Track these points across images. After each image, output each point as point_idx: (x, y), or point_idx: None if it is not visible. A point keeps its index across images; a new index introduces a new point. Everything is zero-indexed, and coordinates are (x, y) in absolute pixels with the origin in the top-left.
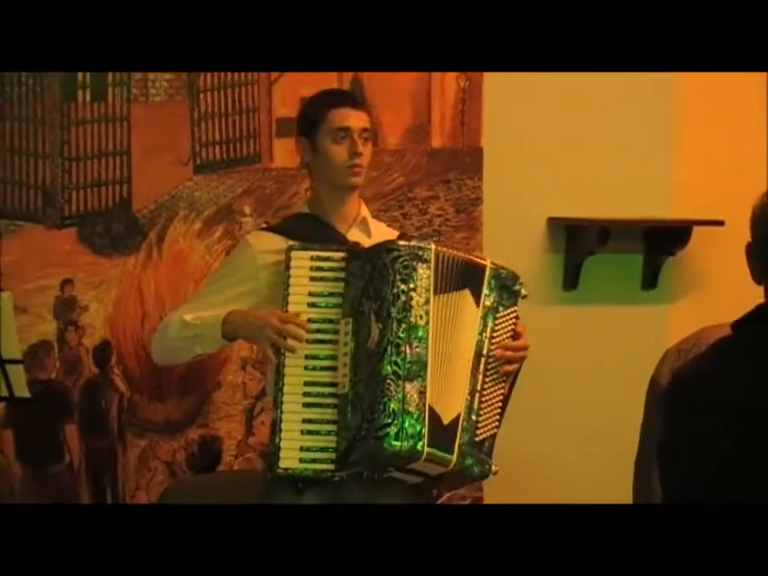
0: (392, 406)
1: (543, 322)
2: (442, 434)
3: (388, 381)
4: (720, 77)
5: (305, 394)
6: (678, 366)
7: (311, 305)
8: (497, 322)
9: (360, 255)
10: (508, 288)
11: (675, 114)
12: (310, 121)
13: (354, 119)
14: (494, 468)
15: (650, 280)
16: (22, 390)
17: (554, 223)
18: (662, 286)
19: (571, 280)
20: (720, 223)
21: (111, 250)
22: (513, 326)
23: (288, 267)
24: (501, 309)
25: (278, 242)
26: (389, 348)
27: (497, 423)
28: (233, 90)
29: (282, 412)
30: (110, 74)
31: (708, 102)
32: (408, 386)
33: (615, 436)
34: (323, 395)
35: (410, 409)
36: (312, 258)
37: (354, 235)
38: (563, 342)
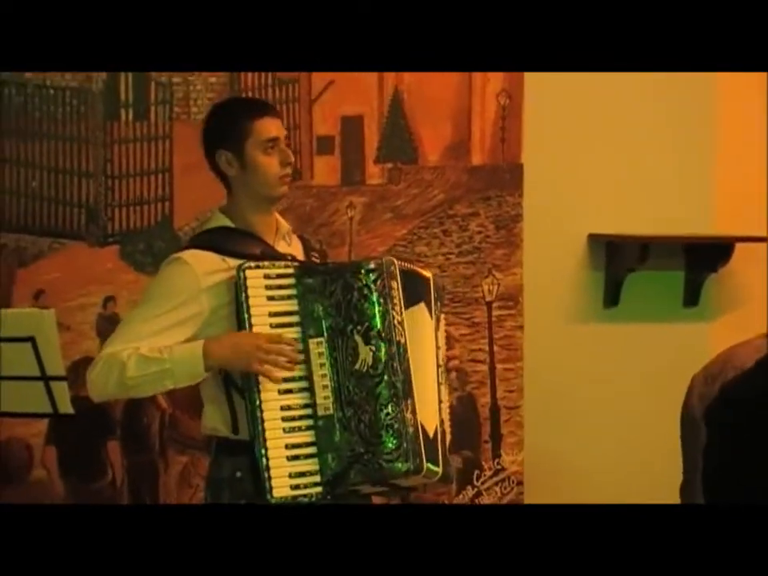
0: (396, 427)
1: (583, 340)
2: (430, 447)
3: (390, 404)
4: (764, 93)
5: (283, 419)
6: (708, 391)
7: (275, 325)
8: (440, 331)
9: (314, 271)
10: (441, 297)
11: (717, 130)
12: (232, 133)
13: (279, 128)
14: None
15: (692, 297)
16: (66, 407)
17: (594, 240)
18: (703, 303)
19: (612, 297)
20: (763, 240)
21: (153, 268)
22: (446, 332)
23: (245, 288)
24: (441, 316)
25: (216, 260)
26: (385, 371)
27: (450, 428)
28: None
29: (265, 440)
30: (153, 93)
31: (751, 118)
32: (403, 404)
33: (656, 453)
34: (301, 417)
35: (409, 429)
36: (266, 277)
37: (281, 246)
38: (603, 359)
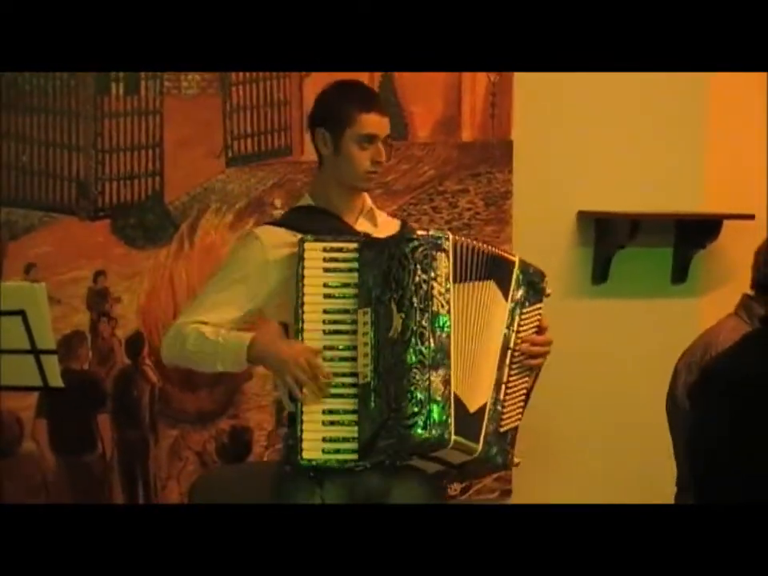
0: (418, 395)
1: (572, 316)
2: (468, 422)
3: (413, 370)
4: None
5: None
6: (692, 379)
7: (327, 296)
8: (523, 316)
9: (374, 245)
10: (534, 285)
11: (707, 108)
12: (336, 118)
13: (382, 127)
14: (516, 460)
15: (680, 274)
16: (56, 380)
17: (583, 217)
18: (692, 279)
19: (601, 273)
20: (751, 217)
21: (144, 242)
22: (538, 322)
23: (301, 259)
24: (527, 304)
25: (287, 236)
26: (412, 337)
27: (519, 416)
28: (264, 83)
29: (302, 404)
30: None
31: (740, 96)
32: (433, 374)
33: (646, 428)
34: (344, 385)
35: (437, 397)
36: (325, 249)
37: (362, 225)
38: (592, 335)
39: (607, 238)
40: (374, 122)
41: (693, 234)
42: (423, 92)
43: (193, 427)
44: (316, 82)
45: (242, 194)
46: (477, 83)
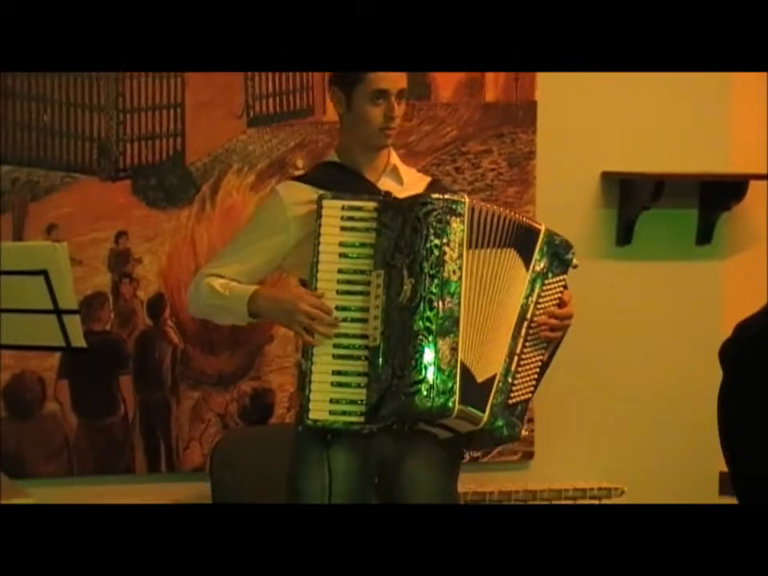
0: (423, 362)
1: (596, 278)
2: (474, 391)
3: (420, 336)
4: None
5: (335, 346)
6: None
7: (342, 255)
8: (545, 288)
9: (392, 206)
10: (560, 256)
11: None
12: (347, 75)
13: (393, 81)
14: (523, 432)
15: (705, 235)
16: (79, 341)
17: (607, 177)
18: (716, 241)
19: (625, 235)
20: None
21: (165, 203)
22: (560, 294)
23: (319, 216)
24: (550, 275)
25: (308, 192)
26: (421, 303)
27: (532, 388)
28: None
29: (312, 363)
30: None
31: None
32: (440, 341)
33: (667, 388)
34: (354, 347)
35: (442, 365)
36: (343, 208)
37: (386, 184)
38: (616, 297)
39: (631, 199)
40: (385, 77)
41: (718, 195)
42: None
43: (215, 389)
44: None
45: (264, 155)
46: None
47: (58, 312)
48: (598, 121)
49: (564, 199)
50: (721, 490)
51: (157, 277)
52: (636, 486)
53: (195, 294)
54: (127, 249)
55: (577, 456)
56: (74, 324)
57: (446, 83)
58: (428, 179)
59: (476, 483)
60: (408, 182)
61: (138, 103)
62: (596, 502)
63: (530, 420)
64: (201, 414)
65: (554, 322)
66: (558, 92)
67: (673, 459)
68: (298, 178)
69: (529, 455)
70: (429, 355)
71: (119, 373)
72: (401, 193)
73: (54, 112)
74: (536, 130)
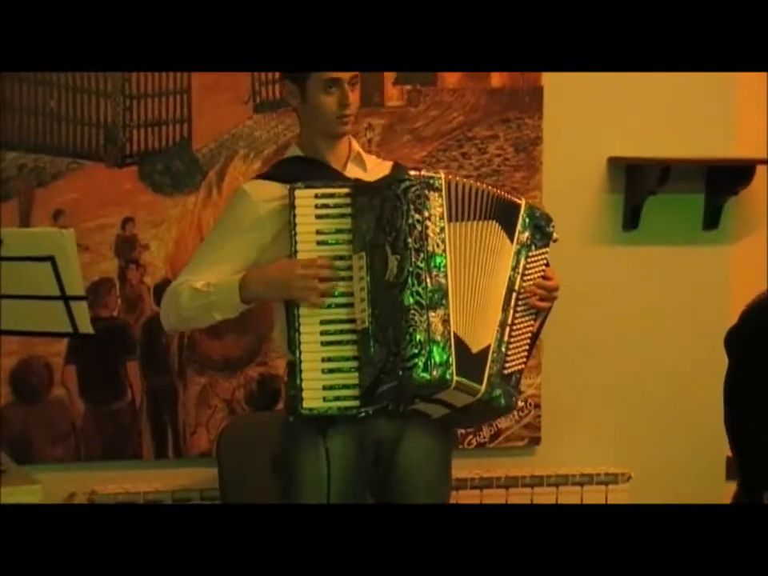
0: (418, 336)
1: (603, 263)
2: (470, 362)
3: (411, 311)
4: None
5: (322, 333)
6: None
7: (320, 243)
8: (530, 259)
9: (366, 189)
10: (541, 228)
11: None
12: None
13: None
14: (520, 403)
15: (712, 220)
16: (86, 326)
17: (614, 163)
18: (723, 226)
19: (631, 220)
20: None
21: (171, 189)
22: (544, 267)
23: (293, 207)
24: (533, 248)
25: (278, 188)
26: (409, 278)
27: (525, 359)
28: None
29: (300, 353)
30: None
31: None
32: (432, 314)
33: (674, 374)
34: (342, 332)
35: (436, 338)
36: (317, 196)
37: (352, 171)
38: (622, 282)
39: (638, 184)
40: None
41: (725, 179)
42: None
43: (221, 375)
44: None
45: (270, 141)
46: None
47: (65, 298)
48: (604, 106)
49: (570, 184)
50: (728, 476)
51: (163, 263)
52: (643, 471)
53: (171, 302)
54: (134, 235)
55: (583, 441)
56: (81, 310)
57: None
58: (390, 163)
59: (482, 469)
60: (371, 168)
61: (145, 89)
62: (603, 487)
63: (537, 406)
64: (207, 400)
65: (541, 292)
66: (564, 77)
67: (679, 445)
68: (264, 176)
69: (536, 440)
70: (422, 329)
71: (126, 358)
72: (367, 178)
73: (61, 98)
74: (542, 116)
